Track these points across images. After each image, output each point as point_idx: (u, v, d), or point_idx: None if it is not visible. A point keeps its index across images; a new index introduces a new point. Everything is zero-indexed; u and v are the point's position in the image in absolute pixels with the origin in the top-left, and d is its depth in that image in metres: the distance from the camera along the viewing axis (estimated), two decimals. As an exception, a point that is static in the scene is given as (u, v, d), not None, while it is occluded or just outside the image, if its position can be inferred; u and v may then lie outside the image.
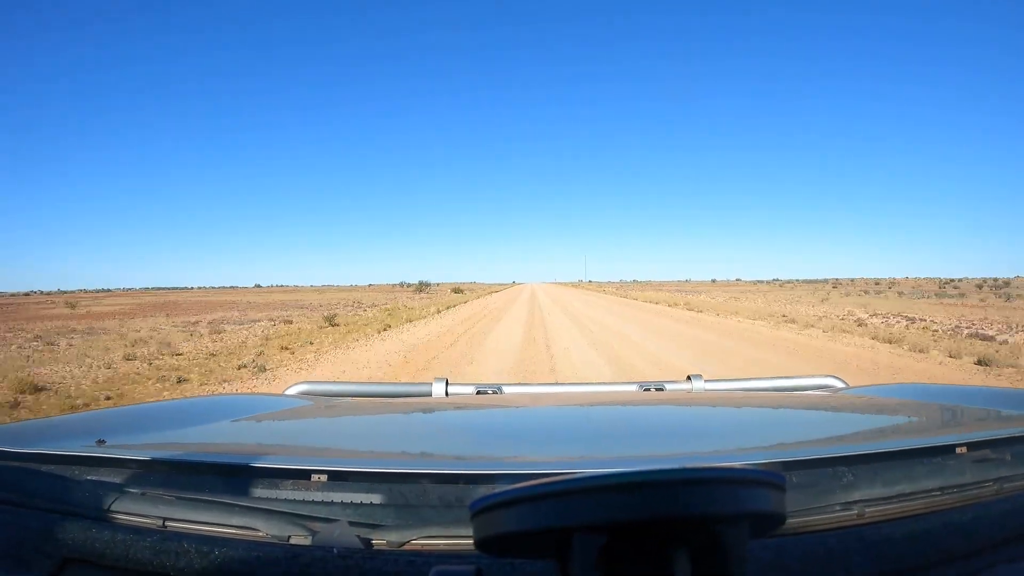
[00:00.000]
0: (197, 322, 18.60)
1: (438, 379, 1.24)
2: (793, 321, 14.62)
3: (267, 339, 11.81)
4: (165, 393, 6.34)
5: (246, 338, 12.18)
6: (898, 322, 14.36)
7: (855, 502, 0.60)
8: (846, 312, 18.60)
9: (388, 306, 25.59)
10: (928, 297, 33.88)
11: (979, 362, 7.48)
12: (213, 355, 9.38)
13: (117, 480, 0.63)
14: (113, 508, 0.57)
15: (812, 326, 13.18)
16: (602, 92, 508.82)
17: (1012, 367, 7.17)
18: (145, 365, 8.22)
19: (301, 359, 8.83)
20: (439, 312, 20.52)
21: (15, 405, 5.65)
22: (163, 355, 9.33)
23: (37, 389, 6.29)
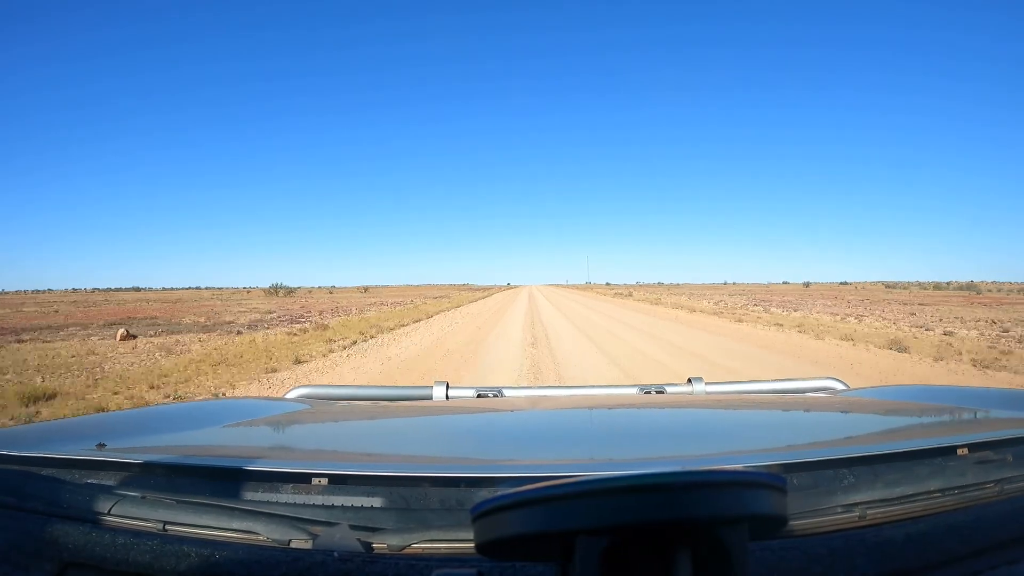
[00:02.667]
0: None
1: (438, 382, 1.24)
2: None
3: None
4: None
5: None
6: None
7: (856, 504, 0.60)
8: None
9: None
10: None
11: None
12: None
13: (117, 483, 0.63)
14: (113, 512, 0.57)
15: None
16: (609, 89, 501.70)
17: None
18: None
19: None
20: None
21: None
22: None
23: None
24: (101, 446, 0.71)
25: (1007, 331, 11.64)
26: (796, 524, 0.56)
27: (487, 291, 73.49)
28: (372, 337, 11.76)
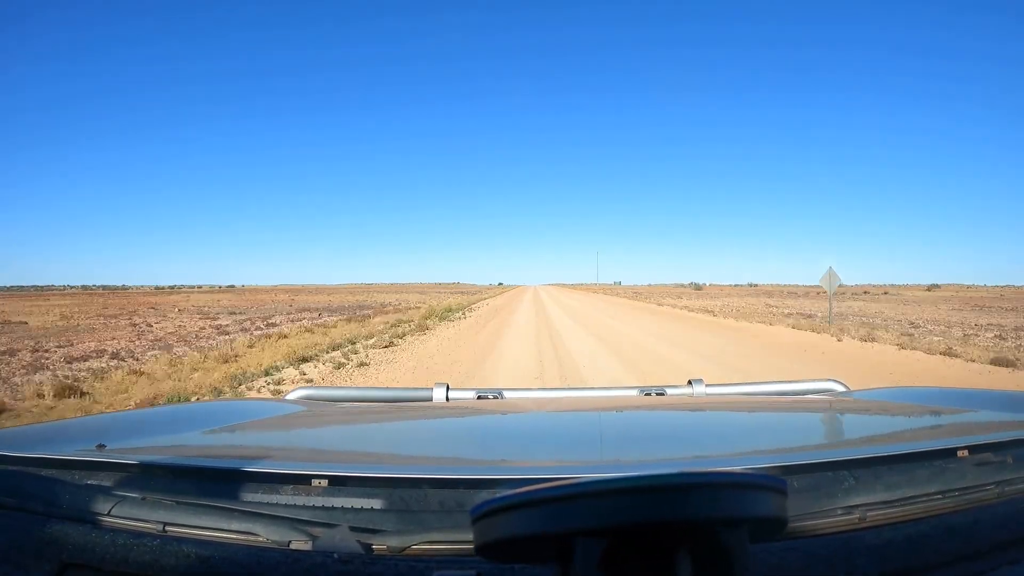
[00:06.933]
0: None
1: (438, 384, 1.24)
2: None
3: None
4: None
5: None
6: None
7: (857, 506, 0.60)
8: None
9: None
10: None
11: None
12: None
13: (117, 484, 0.63)
14: (113, 513, 0.57)
15: None
16: (609, 89, 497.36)
17: None
18: None
19: None
20: None
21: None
22: None
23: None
24: (101, 447, 0.71)
25: None
26: (796, 526, 0.56)
27: (453, 292, 45.31)
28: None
